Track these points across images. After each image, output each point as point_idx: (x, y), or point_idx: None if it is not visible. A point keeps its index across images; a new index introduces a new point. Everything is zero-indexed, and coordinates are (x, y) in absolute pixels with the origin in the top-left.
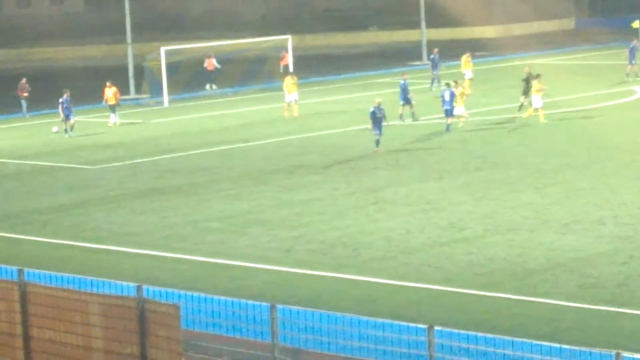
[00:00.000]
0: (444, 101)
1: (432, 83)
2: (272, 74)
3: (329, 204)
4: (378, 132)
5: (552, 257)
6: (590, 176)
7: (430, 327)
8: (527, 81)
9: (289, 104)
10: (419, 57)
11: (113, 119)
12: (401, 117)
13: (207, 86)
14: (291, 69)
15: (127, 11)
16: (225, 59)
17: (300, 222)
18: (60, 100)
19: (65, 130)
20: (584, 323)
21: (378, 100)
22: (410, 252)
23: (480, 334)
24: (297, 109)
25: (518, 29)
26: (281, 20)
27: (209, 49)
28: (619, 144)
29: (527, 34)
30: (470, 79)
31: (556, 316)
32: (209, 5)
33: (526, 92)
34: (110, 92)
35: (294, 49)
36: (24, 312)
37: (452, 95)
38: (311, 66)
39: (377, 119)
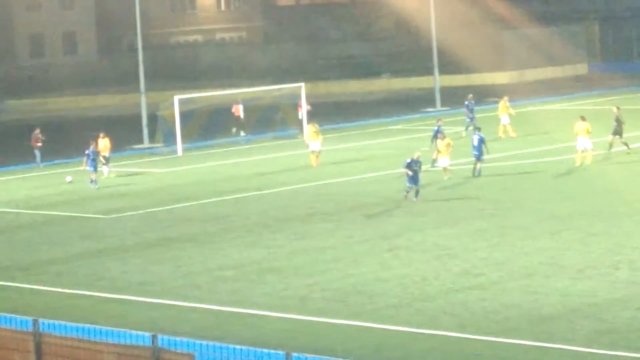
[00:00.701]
0: (473, 146)
1: (466, 129)
2: (285, 122)
3: (344, 251)
4: (412, 185)
5: (567, 302)
6: (604, 221)
7: None
8: (618, 122)
9: (313, 152)
10: (432, 104)
11: (107, 170)
12: (433, 162)
13: (234, 130)
14: (304, 116)
15: (141, 60)
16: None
17: (315, 270)
18: (87, 151)
19: (92, 181)
20: None
21: (417, 154)
22: (425, 299)
23: None
24: (320, 159)
25: (531, 75)
26: (294, 67)
27: (228, 96)
28: (632, 189)
29: (539, 80)
30: (508, 124)
31: None
32: (222, 53)
33: (618, 132)
34: (102, 143)
35: (308, 96)
36: None
37: (481, 140)
38: (324, 113)
39: (413, 171)
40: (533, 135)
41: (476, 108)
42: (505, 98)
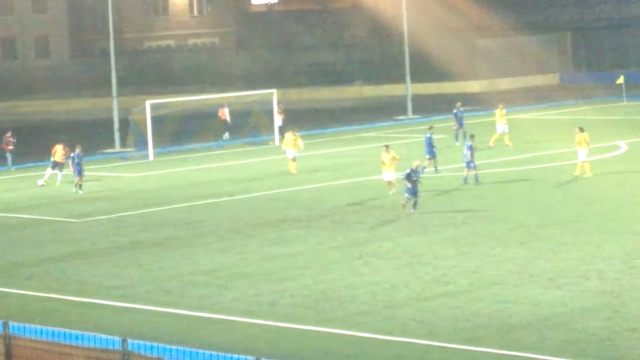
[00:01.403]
0: (464, 154)
1: (457, 138)
2: (257, 128)
3: (314, 257)
4: (410, 195)
5: (537, 311)
6: (575, 231)
7: None
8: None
9: (293, 159)
10: (404, 112)
11: (60, 176)
12: (425, 168)
13: (225, 135)
14: (280, 124)
15: (113, 65)
16: (210, 113)
17: (285, 276)
18: (72, 155)
19: (78, 186)
20: None
21: (416, 163)
22: (395, 306)
23: None
24: (295, 166)
25: (503, 84)
26: (267, 74)
27: (196, 102)
28: (603, 199)
29: (512, 89)
30: (505, 133)
31: None
32: (195, 59)
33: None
34: (61, 150)
35: (279, 102)
36: None
37: (471, 148)
38: (296, 120)
39: (412, 182)
40: (504, 145)
41: (452, 116)
42: (501, 106)
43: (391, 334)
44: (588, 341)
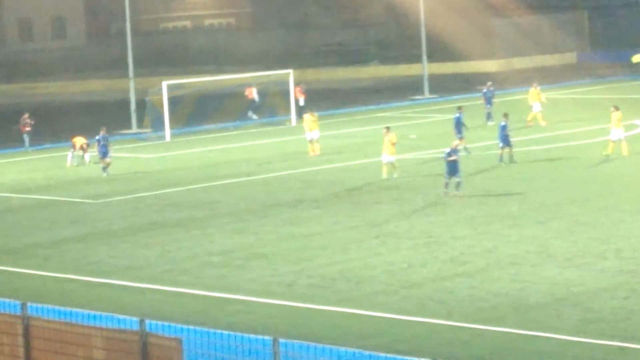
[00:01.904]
0: (499, 133)
1: (487, 118)
2: (274, 108)
3: (331, 237)
4: (450, 176)
5: (554, 291)
6: (593, 210)
7: None
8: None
9: (311, 141)
10: (420, 91)
11: (88, 157)
12: (465, 149)
13: (249, 113)
14: (302, 103)
15: (129, 46)
16: (227, 93)
17: (302, 256)
18: (97, 137)
19: (103, 169)
20: (586, 358)
21: (455, 142)
22: (412, 286)
23: None
24: (319, 147)
25: (520, 63)
26: (283, 54)
27: (213, 82)
28: (621, 178)
29: (529, 68)
30: (539, 112)
31: (559, 351)
32: (211, 39)
33: None
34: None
35: (296, 83)
36: (27, 346)
37: (504, 127)
38: (312, 100)
39: (452, 161)
40: (522, 123)
41: (469, 95)
42: (535, 84)
43: (409, 313)
44: (606, 320)
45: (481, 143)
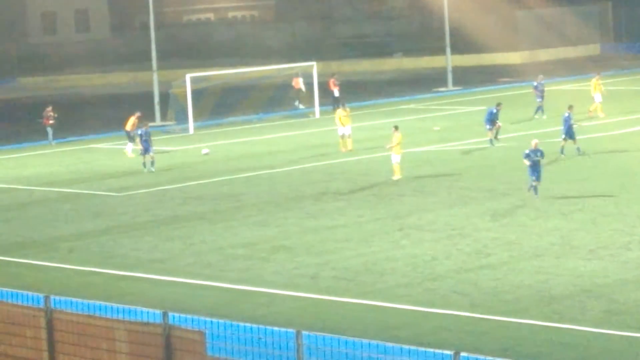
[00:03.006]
0: (563, 125)
1: (537, 111)
2: (297, 101)
3: (354, 230)
4: (534, 177)
5: (578, 283)
6: (616, 202)
7: (457, 354)
8: None
9: (342, 137)
10: (444, 84)
11: (130, 148)
12: (491, 141)
13: (296, 103)
14: (336, 94)
15: (153, 38)
16: (250, 86)
17: (326, 249)
18: (139, 132)
19: (144, 165)
20: (611, 349)
21: (535, 141)
22: (435, 278)
23: None
24: (351, 142)
25: (543, 55)
26: (306, 46)
27: (236, 75)
28: None
29: (552, 60)
30: (600, 103)
31: (583, 342)
32: (234, 32)
33: None
34: (132, 120)
35: (319, 75)
36: (50, 339)
37: (568, 118)
38: (305, 97)
39: (533, 162)
40: (547, 115)
41: (492, 87)
42: (597, 75)
43: (432, 306)
44: (630, 312)
45: (510, 134)
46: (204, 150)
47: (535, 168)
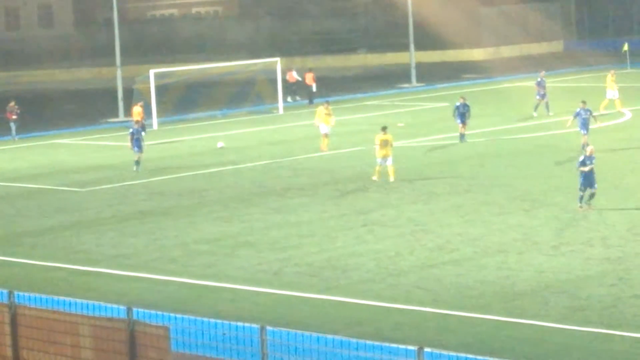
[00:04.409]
0: (581, 120)
1: (547, 108)
2: (261, 96)
3: (318, 226)
4: (585, 187)
5: (541, 279)
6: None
7: (420, 349)
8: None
9: (325, 135)
10: (408, 80)
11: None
12: (462, 137)
13: (289, 98)
14: (314, 90)
15: (117, 34)
16: (214, 81)
17: (289, 245)
18: (131, 130)
19: (136, 163)
20: (573, 345)
21: (590, 148)
22: (399, 274)
23: (469, 356)
24: (327, 143)
25: (507, 51)
26: (270, 42)
27: (200, 71)
28: (607, 166)
29: (515, 56)
30: (618, 99)
31: (545, 338)
32: (198, 28)
33: None
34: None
35: (283, 71)
36: (14, 335)
37: (581, 113)
38: (300, 88)
39: (587, 172)
40: (511, 112)
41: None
42: (612, 72)
43: (395, 301)
44: (592, 308)
45: (472, 131)
46: (220, 144)
47: (589, 177)
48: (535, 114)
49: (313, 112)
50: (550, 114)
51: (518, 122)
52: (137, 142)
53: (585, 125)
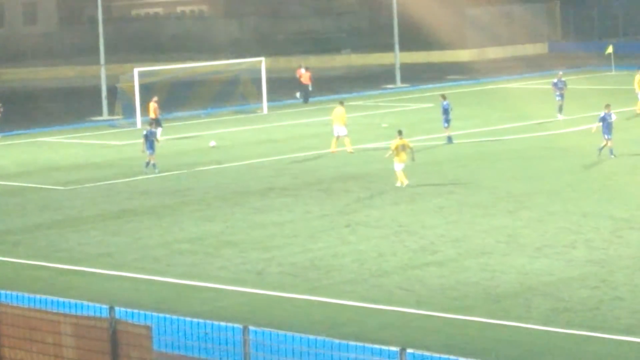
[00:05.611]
0: (606, 124)
1: (560, 110)
2: (245, 96)
3: (302, 226)
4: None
5: (524, 281)
6: (562, 200)
7: (403, 350)
8: None
9: (338, 137)
10: (392, 80)
11: (159, 133)
12: (450, 139)
13: (298, 94)
14: (310, 88)
15: (101, 32)
16: (198, 81)
17: (273, 244)
18: (144, 133)
19: (147, 164)
20: (555, 347)
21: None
22: (382, 275)
23: (451, 357)
24: (349, 142)
25: (492, 53)
26: (255, 42)
27: (184, 70)
28: (591, 168)
29: (501, 58)
30: None
31: (528, 340)
32: (183, 27)
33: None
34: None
35: (268, 71)
36: None
37: (606, 117)
38: (284, 88)
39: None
40: (496, 113)
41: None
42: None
43: (378, 302)
44: (575, 310)
45: (457, 132)
46: (212, 143)
47: (609, 128)
48: (560, 117)
49: (303, 111)
50: (560, 117)
51: (502, 123)
52: (150, 143)
53: (609, 129)
